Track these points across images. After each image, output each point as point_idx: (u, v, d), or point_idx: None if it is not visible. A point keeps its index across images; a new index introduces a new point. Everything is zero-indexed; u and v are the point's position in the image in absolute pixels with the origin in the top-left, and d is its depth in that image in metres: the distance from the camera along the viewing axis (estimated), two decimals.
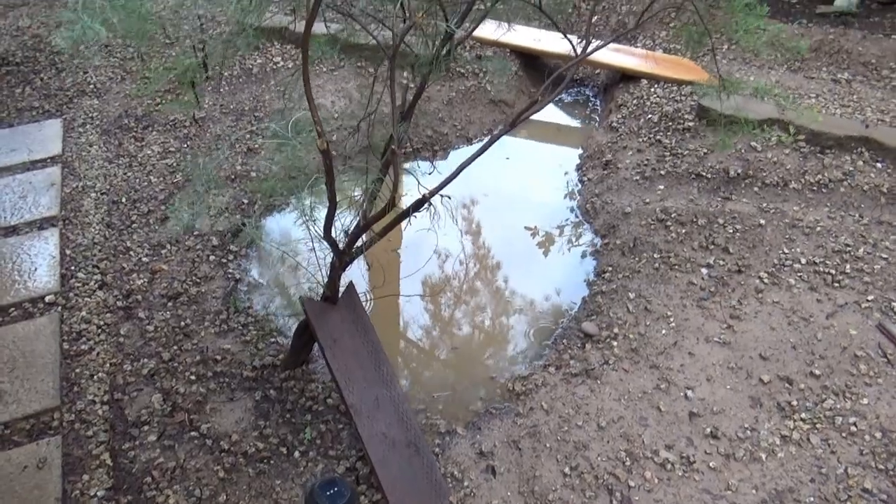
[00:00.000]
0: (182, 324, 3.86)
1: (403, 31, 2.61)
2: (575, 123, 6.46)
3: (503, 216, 5.11)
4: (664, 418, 3.33)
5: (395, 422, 3.11)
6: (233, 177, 5.09)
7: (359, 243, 3.12)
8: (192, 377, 3.53)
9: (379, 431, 3.06)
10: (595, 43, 3.27)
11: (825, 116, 5.26)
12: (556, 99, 6.69)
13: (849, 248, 4.21)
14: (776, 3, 7.33)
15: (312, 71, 6.40)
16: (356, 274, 4.02)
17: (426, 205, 3.06)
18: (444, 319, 4.24)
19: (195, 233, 4.56)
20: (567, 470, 3.12)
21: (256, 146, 5.47)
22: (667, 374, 3.53)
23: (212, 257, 4.40)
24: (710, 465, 3.12)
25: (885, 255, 4.14)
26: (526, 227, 4.93)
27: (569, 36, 3.43)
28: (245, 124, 5.70)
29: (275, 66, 6.45)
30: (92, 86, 6.29)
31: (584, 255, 4.70)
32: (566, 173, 5.59)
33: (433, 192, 2.99)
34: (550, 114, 6.56)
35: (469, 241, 4.81)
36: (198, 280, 4.19)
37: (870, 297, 3.89)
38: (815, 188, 4.70)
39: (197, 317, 3.92)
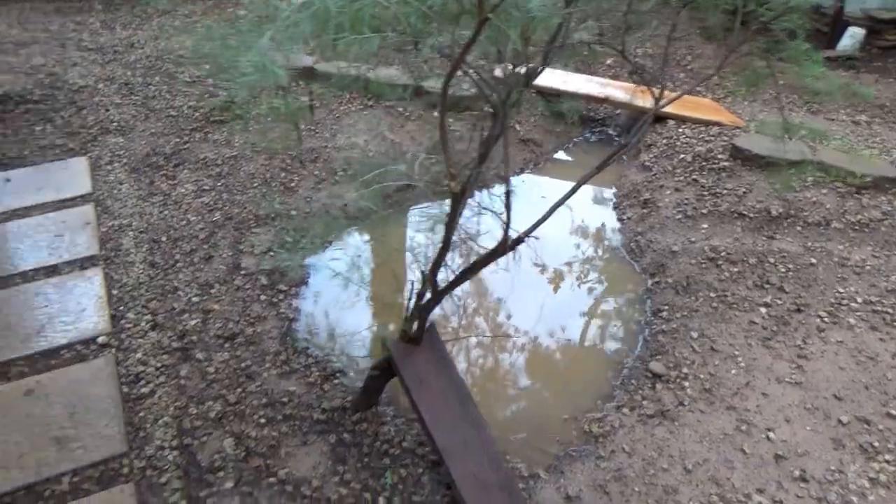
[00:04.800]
0: (243, 365, 3.74)
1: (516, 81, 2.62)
2: None
3: (547, 254, 5.09)
4: (750, 461, 3.28)
5: (486, 463, 3.02)
6: (273, 216, 5.03)
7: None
8: (262, 420, 3.40)
9: (470, 473, 2.97)
10: (669, 95, 3.29)
11: (854, 156, 5.39)
12: (582, 138, 6.77)
13: None
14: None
15: (344, 110, 6.41)
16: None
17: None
18: (511, 361, 4.17)
19: (242, 272, 4.47)
20: None
21: (293, 185, 5.41)
22: (745, 416, 3.50)
23: (262, 297, 4.29)
24: None
25: None
26: (568, 264, 4.93)
27: (640, 82, 3.47)
28: (278, 163, 5.65)
29: (301, 107, 6.43)
30: (115, 124, 6.21)
31: (635, 294, 4.69)
32: (603, 211, 5.62)
33: (527, 233, 2.98)
34: (577, 153, 6.63)
35: (525, 282, 4.76)
36: (252, 320, 4.08)
37: None
38: (856, 227, 4.78)
39: (257, 358, 3.80)
